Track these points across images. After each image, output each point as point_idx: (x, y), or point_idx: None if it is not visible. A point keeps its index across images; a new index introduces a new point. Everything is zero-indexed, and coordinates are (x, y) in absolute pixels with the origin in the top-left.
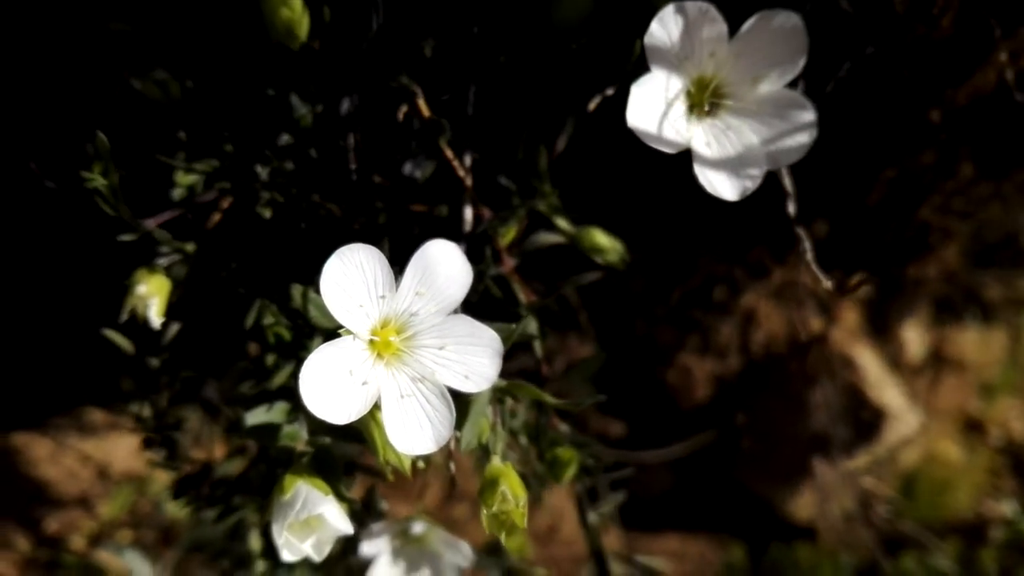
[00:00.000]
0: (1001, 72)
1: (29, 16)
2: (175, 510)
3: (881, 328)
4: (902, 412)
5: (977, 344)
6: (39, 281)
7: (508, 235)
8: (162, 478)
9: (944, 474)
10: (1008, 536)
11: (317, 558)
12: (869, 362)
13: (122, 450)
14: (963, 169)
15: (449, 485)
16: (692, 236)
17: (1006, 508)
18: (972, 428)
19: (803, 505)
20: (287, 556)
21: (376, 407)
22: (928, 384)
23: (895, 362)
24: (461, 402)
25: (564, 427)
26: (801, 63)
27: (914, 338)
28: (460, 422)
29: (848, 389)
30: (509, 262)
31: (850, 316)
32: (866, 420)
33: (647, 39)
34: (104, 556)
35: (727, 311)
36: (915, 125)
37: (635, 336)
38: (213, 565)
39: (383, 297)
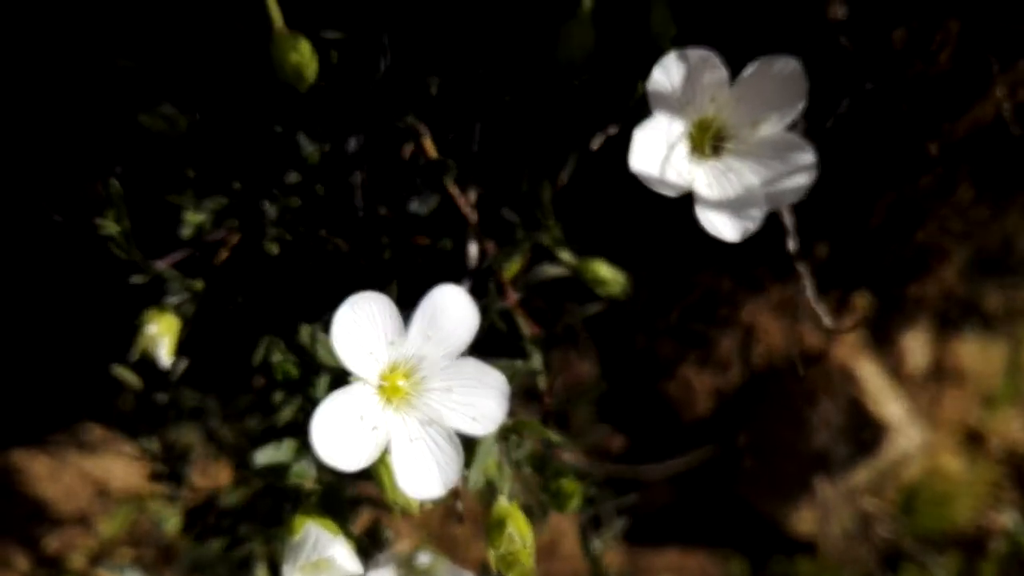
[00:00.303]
0: (999, 106)
1: (38, 53)
2: (174, 529)
3: (882, 341)
4: (903, 425)
5: (978, 355)
6: (39, 300)
7: (512, 269)
8: (162, 496)
9: (945, 487)
10: (1009, 548)
11: None
12: (870, 375)
13: (121, 468)
14: (962, 192)
15: (455, 517)
16: (693, 254)
17: (1007, 519)
18: (973, 439)
19: (804, 520)
20: None
21: (386, 450)
22: (929, 396)
23: (896, 374)
24: (468, 441)
25: (568, 455)
26: (800, 106)
27: (915, 350)
28: (467, 461)
29: (849, 403)
30: (513, 296)
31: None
32: (867, 434)
33: (649, 85)
34: (103, 575)
35: (728, 324)
36: (914, 156)
37: (636, 350)
38: None
39: (392, 343)
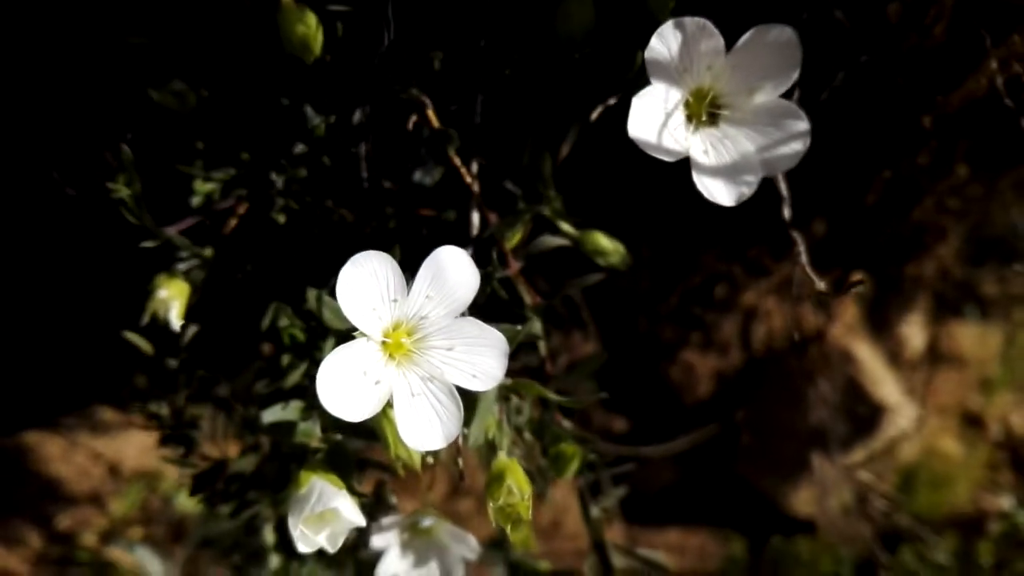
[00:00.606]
0: (992, 79)
1: (51, 30)
2: (185, 506)
3: (881, 324)
4: (901, 407)
5: (976, 340)
6: (50, 282)
7: (514, 239)
8: (172, 475)
9: (943, 468)
10: (1005, 529)
11: (331, 549)
12: (868, 357)
13: (133, 448)
14: (958, 169)
15: (456, 480)
16: (694, 235)
17: (1004, 502)
18: (971, 423)
19: (803, 500)
20: (302, 548)
21: (388, 405)
22: (927, 379)
23: (894, 358)
24: (468, 400)
25: (567, 423)
26: (795, 75)
27: (913, 334)
28: (468, 419)
29: (847, 384)
30: (515, 265)
31: (850, 312)
32: (865, 415)
33: (647, 53)
34: (115, 552)
35: (729, 308)
36: (909, 130)
37: (638, 333)
38: (223, 561)
39: (395, 301)
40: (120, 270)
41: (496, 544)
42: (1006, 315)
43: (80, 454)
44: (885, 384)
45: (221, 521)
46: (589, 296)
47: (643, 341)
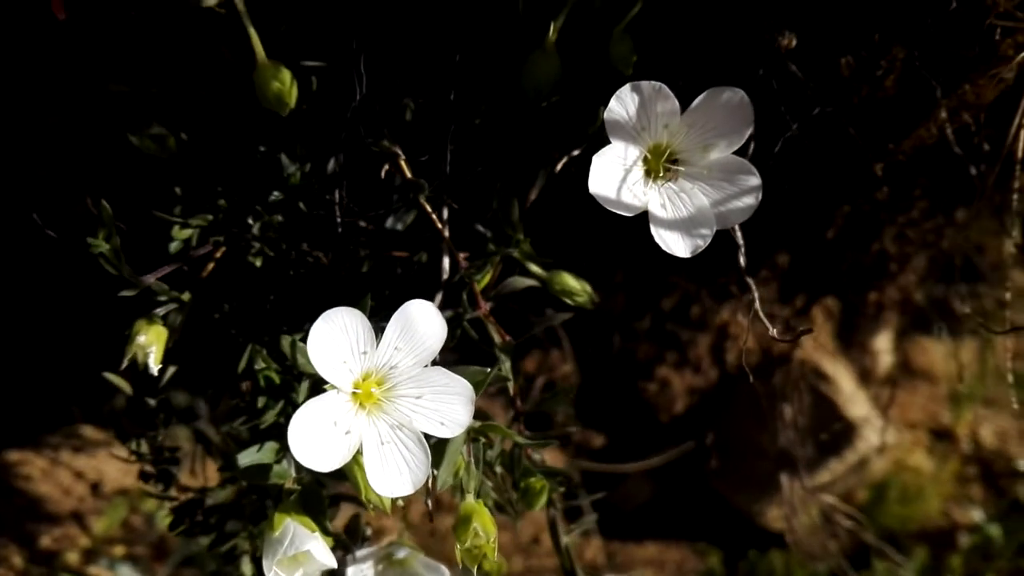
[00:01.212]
0: (942, 128)
1: (33, 77)
2: (167, 526)
3: (851, 341)
4: (872, 423)
5: (946, 356)
6: (34, 304)
7: (484, 280)
8: (153, 495)
9: (914, 482)
10: (976, 542)
11: None
12: (840, 374)
13: (115, 467)
14: (917, 203)
15: (435, 498)
16: (663, 263)
17: (975, 515)
18: (942, 438)
19: (776, 516)
20: None
21: (359, 451)
22: (898, 396)
23: (865, 374)
24: (437, 444)
25: (538, 456)
26: (747, 133)
27: (884, 350)
28: (437, 461)
29: (819, 401)
30: (484, 306)
31: (822, 331)
32: (837, 432)
33: (607, 114)
34: (98, 571)
35: (703, 326)
36: (862, 175)
37: (614, 351)
38: None
39: (365, 353)
40: (103, 304)
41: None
42: (975, 332)
43: (62, 472)
44: (855, 401)
45: (200, 541)
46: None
47: (619, 359)
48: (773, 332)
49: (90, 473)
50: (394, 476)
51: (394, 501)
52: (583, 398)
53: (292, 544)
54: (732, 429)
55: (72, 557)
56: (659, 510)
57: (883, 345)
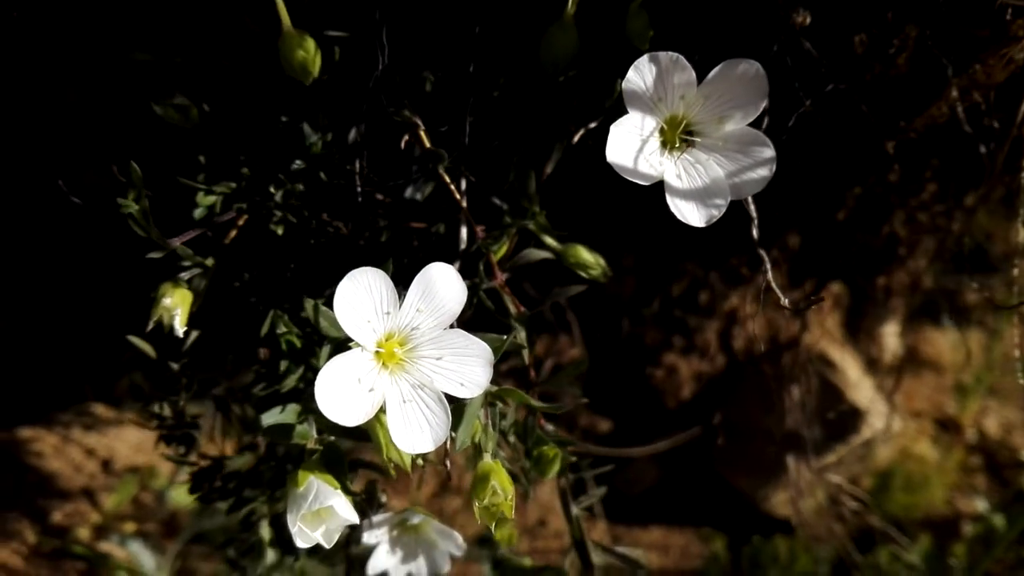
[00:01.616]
0: (953, 106)
1: (61, 47)
2: (178, 502)
3: (859, 330)
4: (878, 411)
5: (953, 346)
6: (47, 283)
7: (500, 251)
8: (165, 471)
9: (919, 471)
10: (979, 531)
11: (327, 545)
12: (847, 362)
13: (125, 444)
14: (927, 186)
15: (445, 479)
16: (676, 245)
17: (979, 505)
18: (947, 428)
19: (781, 501)
20: (300, 543)
21: (381, 410)
22: (905, 384)
23: (872, 363)
24: (456, 405)
25: (550, 427)
26: (762, 105)
27: (892, 340)
28: (455, 423)
29: (826, 389)
30: (500, 276)
31: (830, 318)
32: (843, 419)
33: (624, 84)
34: (109, 546)
35: (711, 313)
36: (874, 152)
37: (622, 336)
38: (213, 556)
39: (388, 313)
40: (119, 274)
41: (482, 541)
42: (982, 322)
43: (74, 450)
44: (862, 389)
45: (213, 517)
46: (575, 301)
47: (627, 344)
48: (784, 301)
49: (101, 451)
50: (416, 433)
51: (413, 460)
52: (590, 383)
53: (316, 500)
54: (738, 415)
55: (83, 533)
56: (664, 495)
57: (890, 334)
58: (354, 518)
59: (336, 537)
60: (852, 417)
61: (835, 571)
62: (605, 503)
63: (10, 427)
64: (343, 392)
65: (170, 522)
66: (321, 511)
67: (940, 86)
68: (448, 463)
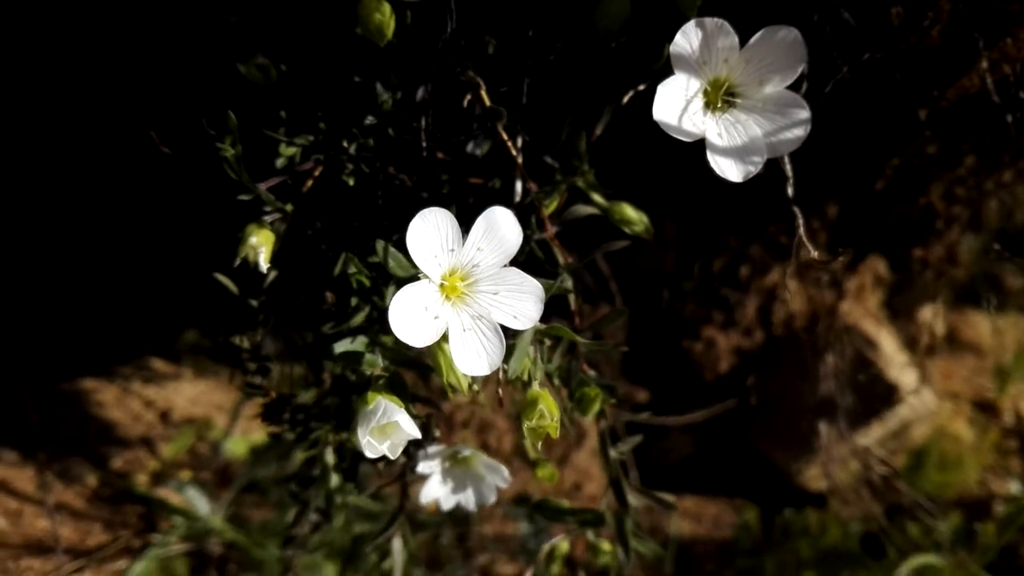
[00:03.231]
0: (983, 78)
1: (158, 10)
2: (232, 452)
3: (900, 310)
4: (916, 390)
5: (993, 329)
6: (111, 246)
7: (551, 206)
8: (220, 423)
9: (953, 450)
10: (1010, 511)
11: (392, 456)
12: (886, 341)
13: (182, 398)
14: (965, 159)
15: (497, 404)
16: (717, 213)
17: (1012, 486)
18: (984, 409)
19: (814, 476)
20: (369, 454)
21: (443, 339)
22: (944, 365)
23: (912, 343)
24: (509, 340)
25: (592, 372)
26: (800, 69)
27: (932, 321)
28: (508, 357)
29: (864, 366)
30: (551, 229)
31: (872, 297)
32: (880, 396)
33: (672, 48)
34: (166, 492)
35: (752, 288)
36: (907, 121)
37: (662, 309)
38: (264, 503)
39: (452, 251)
40: (178, 237)
41: (519, 501)
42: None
43: (133, 401)
44: (902, 367)
45: (265, 467)
46: (617, 273)
47: (666, 317)
48: (814, 253)
49: (159, 402)
50: (474, 357)
51: (469, 386)
52: (629, 354)
53: (383, 415)
54: (775, 389)
55: (142, 479)
56: (699, 466)
57: (931, 315)
58: (416, 433)
59: (399, 451)
60: (888, 394)
61: (865, 544)
62: (640, 472)
63: (73, 378)
64: (412, 317)
65: (224, 471)
66: (387, 427)
67: (971, 58)
68: (501, 390)
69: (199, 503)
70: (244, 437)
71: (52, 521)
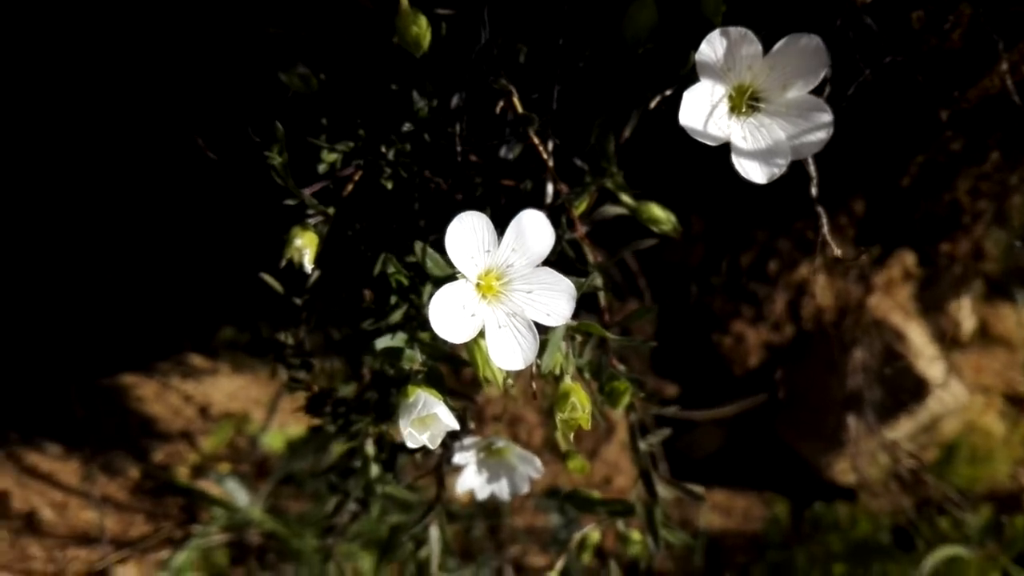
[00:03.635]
0: (1003, 79)
1: (205, 20)
2: (270, 446)
3: (931, 304)
4: (946, 384)
5: (1019, 323)
6: (151, 247)
7: (581, 207)
8: (258, 418)
9: (984, 444)
10: None
11: (432, 446)
12: (916, 334)
13: (220, 393)
14: (991, 156)
15: (528, 399)
16: (744, 210)
17: None
18: (1015, 404)
19: (844, 469)
20: (411, 444)
21: (480, 335)
22: (975, 360)
23: (943, 337)
24: (542, 336)
25: (621, 367)
26: (822, 74)
27: (964, 315)
28: (541, 352)
29: (893, 359)
30: (581, 229)
31: (901, 292)
32: (909, 389)
33: (697, 56)
34: (206, 484)
35: (780, 282)
36: (928, 121)
37: (690, 304)
38: (301, 496)
39: (488, 251)
40: (216, 240)
41: (550, 494)
42: None
43: (173, 396)
44: (933, 361)
45: (302, 460)
46: (645, 268)
47: (695, 312)
48: (837, 252)
49: (198, 397)
50: (510, 353)
51: (504, 380)
52: (658, 349)
53: (424, 407)
54: (803, 383)
55: (182, 471)
56: (728, 460)
57: (962, 309)
58: (454, 424)
59: (439, 441)
60: (917, 387)
61: (896, 537)
62: (669, 466)
63: (114, 374)
64: (451, 315)
65: (261, 464)
66: (427, 418)
67: (991, 60)
68: (535, 384)
69: (238, 495)
70: (281, 431)
71: (99, 512)
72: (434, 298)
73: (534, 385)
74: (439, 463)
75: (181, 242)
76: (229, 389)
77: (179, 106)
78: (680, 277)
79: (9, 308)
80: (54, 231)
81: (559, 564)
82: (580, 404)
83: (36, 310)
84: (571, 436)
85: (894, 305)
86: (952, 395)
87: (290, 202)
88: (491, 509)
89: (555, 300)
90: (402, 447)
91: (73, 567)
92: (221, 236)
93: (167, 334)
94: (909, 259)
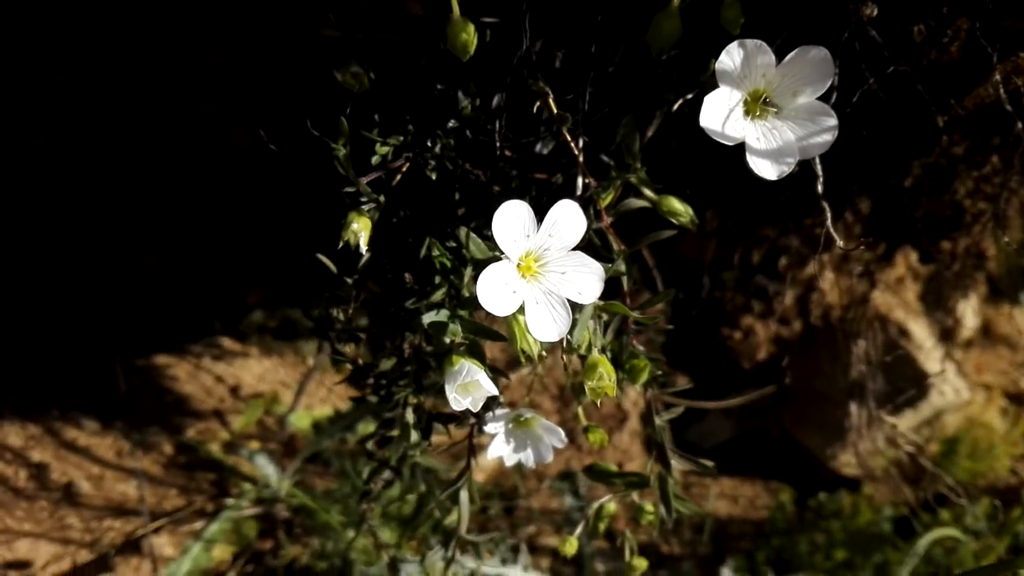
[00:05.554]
0: (996, 88)
1: (265, 24)
2: (297, 426)
3: (936, 302)
4: (949, 381)
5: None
6: (182, 235)
7: (607, 199)
8: (286, 399)
9: (985, 439)
10: None
11: (474, 410)
12: (921, 332)
13: (250, 374)
14: (991, 158)
15: (563, 367)
16: (756, 207)
17: None
18: (1016, 401)
19: (848, 461)
20: (456, 407)
21: (519, 310)
22: (977, 358)
23: (947, 335)
24: (572, 313)
25: (640, 347)
26: (828, 82)
27: (967, 313)
28: (572, 329)
29: (897, 353)
30: (606, 219)
31: (908, 289)
32: (913, 386)
33: (717, 65)
34: (237, 460)
35: (790, 278)
36: (927, 127)
37: (702, 298)
38: (327, 473)
39: (528, 236)
40: (246, 227)
41: (563, 477)
42: None
43: (205, 376)
44: (936, 358)
45: (328, 439)
46: (659, 263)
47: (707, 306)
48: (840, 243)
49: (228, 378)
50: (546, 326)
51: (540, 351)
52: (670, 341)
53: (467, 375)
54: (810, 377)
55: (214, 448)
56: (736, 450)
57: (967, 308)
58: (494, 390)
59: (479, 405)
60: (922, 384)
61: (897, 526)
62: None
63: (148, 354)
64: (496, 291)
65: (289, 443)
66: (469, 384)
67: (986, 71)
68: (564, 358)
69: (268, 470)
70: (307, 412)
71: (135, 485)
72: (481, 276)
73: (563, 359)
74: (470, 433)
75: (214, 227)
76: (258, 371)
77: (232, 100)
78: (693, 272)
79: (49, 290)
80: (102, 216)
81: (577, 530)
82: (607, 374)
83: (75, 292)
84: (599, 402)
85: (899, 302)
86: (954, 391)
87: (349, 189)
88: (507, 491)
89: (586, 281)
90: (438, 416)
91: (109, 536)
92: (265, 223)
93: (197, 317)
94: (913, 257)
